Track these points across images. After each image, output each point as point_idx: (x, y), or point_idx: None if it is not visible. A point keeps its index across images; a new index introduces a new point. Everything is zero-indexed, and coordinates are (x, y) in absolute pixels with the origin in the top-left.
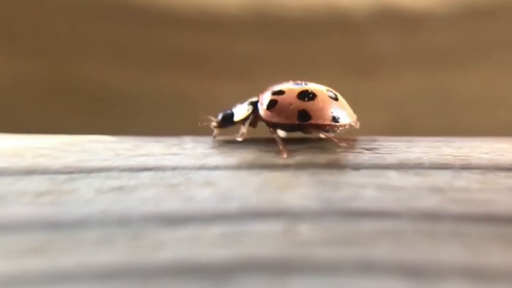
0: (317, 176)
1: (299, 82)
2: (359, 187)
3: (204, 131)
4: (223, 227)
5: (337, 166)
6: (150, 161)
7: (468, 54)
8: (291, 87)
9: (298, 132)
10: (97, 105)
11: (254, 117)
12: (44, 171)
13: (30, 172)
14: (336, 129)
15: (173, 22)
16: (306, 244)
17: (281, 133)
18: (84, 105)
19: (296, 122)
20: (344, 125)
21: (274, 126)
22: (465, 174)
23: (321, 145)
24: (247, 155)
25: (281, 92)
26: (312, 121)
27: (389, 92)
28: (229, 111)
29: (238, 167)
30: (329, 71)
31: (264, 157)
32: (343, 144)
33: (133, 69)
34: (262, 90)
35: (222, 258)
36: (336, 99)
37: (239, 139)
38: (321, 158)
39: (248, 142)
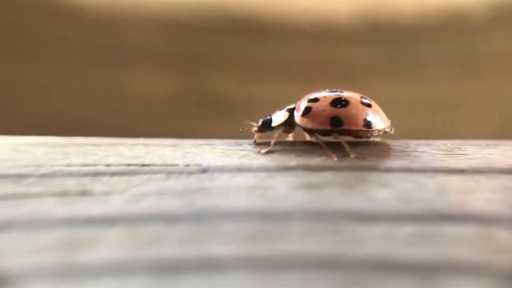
0: (496, 181)
1: (335, 90)
2: None
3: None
4: (412, 227)
5: None
6: (326, 162)
7: None
8: (326, 94)
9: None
10: (224, 111)
11: (290, 123)
12: (248, 169)
13: (239, 169)
14: (369, 134)
15: (285, 35)
16: (509, 250)
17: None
18: (215, 111)
19: (329, 128)
20: (378, 131)
21: (309, 131)
22: None
23: (497, 150)
24: (417, 158)
25: (316, 100)
26: (344, 127)
27: (499, 92)
28: (268, 117)
29: (410, 169)
30: (437, 74)
31: (435, 160)
32: (352, 155)
33: (250, 80)
34: (299, 98)
35: (421, 258)
36: (369, 106)
37: (263, 151)
38: (498, 162)
39: (418, 145)
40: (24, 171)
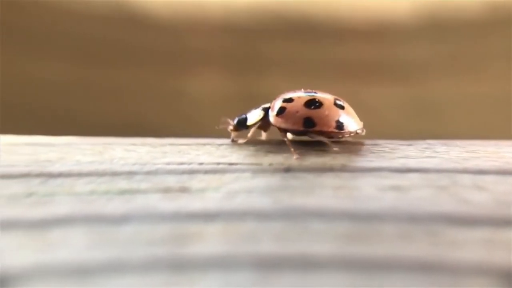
0: None
1: (310, 90)
2: None
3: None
4: None
5: None
6: (412, 163)
7: None
8: (300, 95)
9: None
10: None
11: (265, 122)
12: (330, 169)
13: (321, 169)
14: (340, 136)
15: (341, 35)
16: None
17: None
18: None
19: (302, 129)
20: (349, 132)
21: (283, 131)
22: None
23: None
24: (510, 159)
25: (290, 100)
26: (317, 128)
27: None
28: (244, 116)
29: (506, 172)
30: (503, 69)
31: None
32: (335, 149)
33: (306, 81)
34: (275, 97)
35: None
36: (342, 108)
37: (241, 141)
38: None
39: (511, 146)
40: (133, 168)
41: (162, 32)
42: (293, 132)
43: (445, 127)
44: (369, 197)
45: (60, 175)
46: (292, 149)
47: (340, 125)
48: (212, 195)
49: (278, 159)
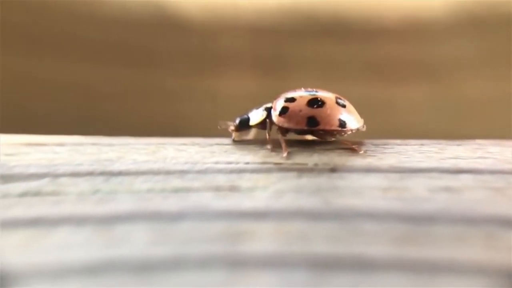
0: None
1: (310, 89)
2: None
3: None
4: None
5: None
6: (462, 164)
7: None
8: (302, 94)
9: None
10: None
11: (268, 122)
12: (377, 170)
13: (367, 170)
14: (343, 133)
15: (371, 34)
16: None
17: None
18: None
19: (305, 128)
20: (351, 130)
21: (286, 131)
22: None
23: None
24: None
25: (292, 100)
26: (320, 127)
27: None
28: (245, 116)
29: None
30: None
31: None
32: (361, 152)
33: (332, 81)
34: (275, 97)
35: None
36: (344, 106)
37: (284, 155)
38: None
39: None
40: (185, 167)
41: (191, 34)
42: (295, 132)
43: (483, 126)
44: (420, 198)
45: (120, 173)
46: (283, 146)
47: (342, 123)
48: (261, 194)
49: (323, 159)
